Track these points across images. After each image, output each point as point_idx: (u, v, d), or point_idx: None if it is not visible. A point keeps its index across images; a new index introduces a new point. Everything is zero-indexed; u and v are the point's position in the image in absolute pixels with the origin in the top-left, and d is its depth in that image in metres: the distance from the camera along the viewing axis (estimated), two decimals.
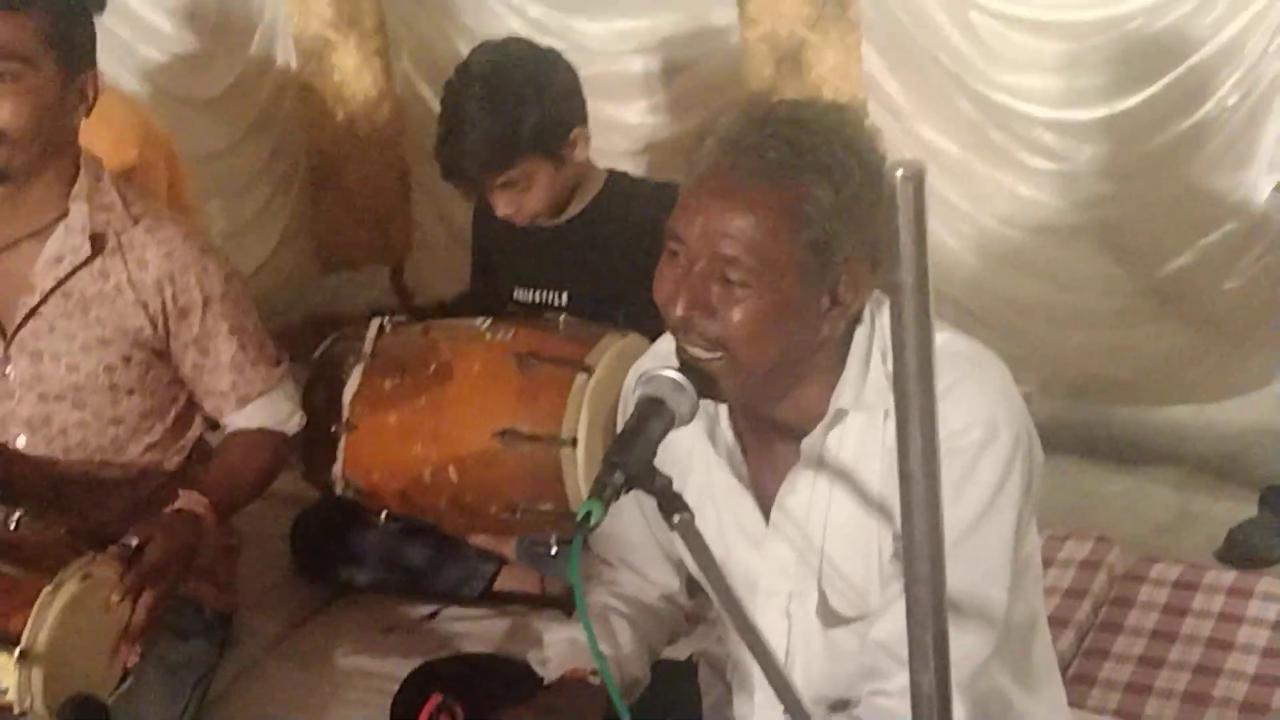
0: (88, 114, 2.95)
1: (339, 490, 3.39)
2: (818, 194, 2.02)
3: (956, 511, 2.09)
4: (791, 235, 2.05)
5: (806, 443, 2.20)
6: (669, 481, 1.95)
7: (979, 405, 2.13)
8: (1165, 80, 3.82)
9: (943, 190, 4.15)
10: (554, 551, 3.30)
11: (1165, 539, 3.77)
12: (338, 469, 3.36)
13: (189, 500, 2.83)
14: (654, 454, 1.99)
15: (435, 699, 1.91)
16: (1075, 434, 4.26)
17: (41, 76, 2.80)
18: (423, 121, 4.51)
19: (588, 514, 1.92)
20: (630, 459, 1.96)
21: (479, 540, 3.46)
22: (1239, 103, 3.78)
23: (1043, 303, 4.15)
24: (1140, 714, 3.04)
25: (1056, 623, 3.08)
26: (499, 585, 3.42)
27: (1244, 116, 3.80)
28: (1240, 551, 3.79)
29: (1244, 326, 4.05)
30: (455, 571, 3.41)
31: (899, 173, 1.42)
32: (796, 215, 2.04)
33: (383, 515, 3.39)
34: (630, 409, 2.07)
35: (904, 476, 1.48)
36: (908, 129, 4.18)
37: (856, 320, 2.17)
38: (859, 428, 2.18)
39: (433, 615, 3.39)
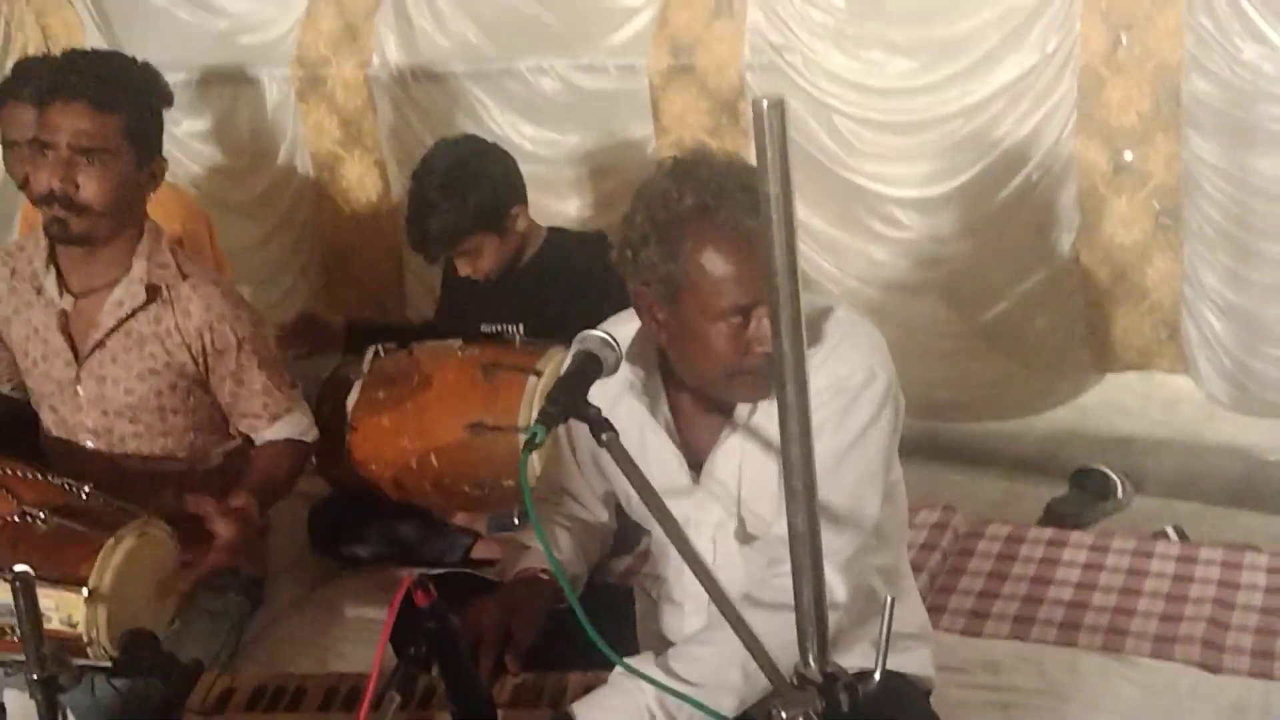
0: (154, 191, 2.96)
1: (345, 481, 3.37)
2: None
3: (840, 436, 2.12)
4: None
5: (740, 412, 2.20)
6: (599, 410, 1.93)
7: (859, 357, 2.15)
8: (983, 164, 3.83)
9: (815, 259, 4.14)
10: (517, 522, 3.29)
11: (997, 512, 3.74)
12: (344, 463, 3.34)
13: (245, 503, 2.77)
14: (587, 392, 1.97)
15: (411, 577, 1.86)
16: (922, 442, 4.20)
17: (121, 163, 2.83)
18: None
19: (534, 435, 1.91)
20: (568, 396, 1.94)
21: (458, 519, 3.43)
22: (1041, 178, 3.80)
23: (894, 343, 3.96)
24: (980, 633, 3.06)
25: (913, 568, 3.04)
26: (475, 554, 3.37)
27: (1046, 189, 3.81)
28: (1056, 518, 3.78)
29: (1053, 356, 4.06)
30: (439, 544, 3.36)
31: (765, 102, 1.41)
32: None
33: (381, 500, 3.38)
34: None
35: (776, 348, 1.46)
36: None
37: None
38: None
39: None
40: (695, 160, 2.14)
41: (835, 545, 2.05)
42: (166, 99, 2.96)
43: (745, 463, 2.23)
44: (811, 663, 1.54)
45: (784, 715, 1.51)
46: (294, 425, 3.06)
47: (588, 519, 2.52)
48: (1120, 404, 4.45)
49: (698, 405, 2.27)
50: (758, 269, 2.01)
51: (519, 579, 2.35)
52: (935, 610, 3.07)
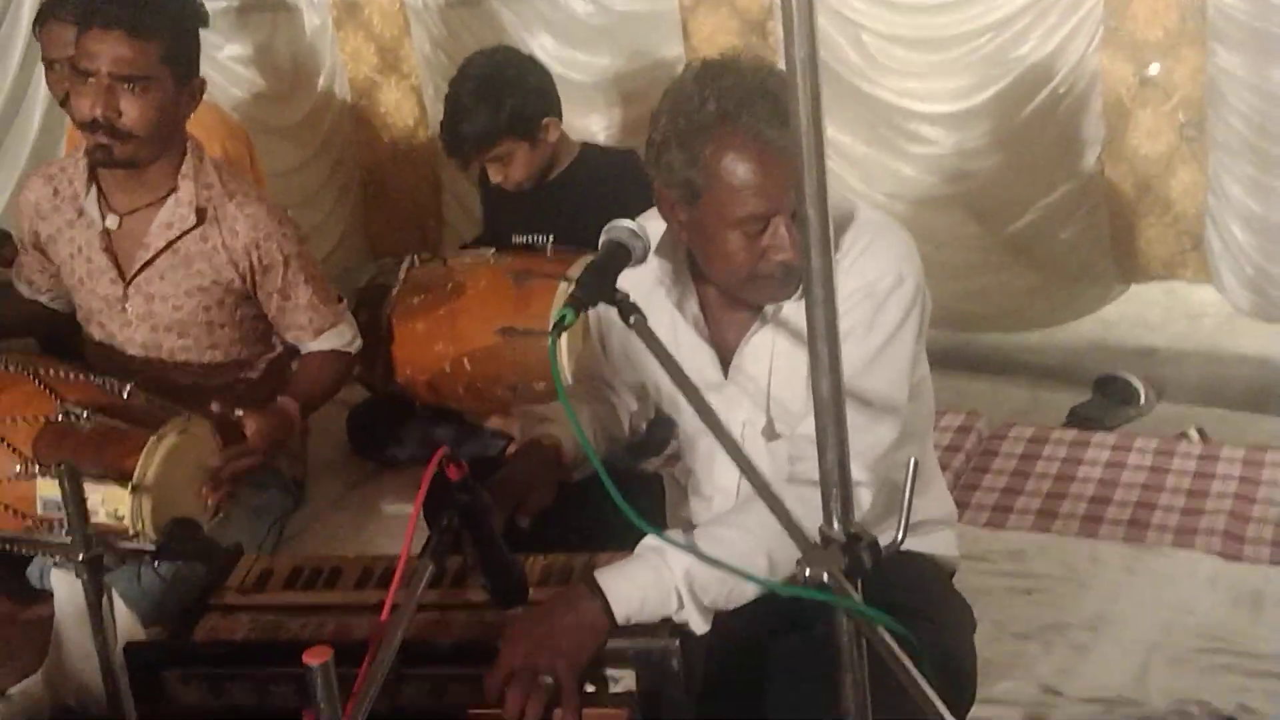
0: (193, 111, 2.91)
1: (381, 386, 3.35)
2: None
3: (870, 339, 2.08)
4: None
5: (769, 306, 2.16)
6: (626, 295, 1.89)
7: (889, 260, 2.10)
8: (1010, 79, 3.76)
9: (844, 175, 4.09)
10: None
11: (1022, 418, 3.70)
12: (381, 369, 3.33)
13: (284, 404, 2.82)
14: (615, 279, 1.93)
15: (442, 451, 1.83)
16: (950, 354, 4.19)
17: (160, 87, 2.77)
18: None
19: (563, 316, 1.86)
20: (597, 281, 1.90)
21: (492, 422, 3.39)
22: (1067, 92, 3.73)
23: (924, 256, 4.05)
24: (1004, 525, 3.05)
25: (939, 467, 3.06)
26: (508, 456, 3.35)
27: (1072, 102, 3.75)
28: (1079, 423, 3.75)
29: (1077, 268, 4.01)
30: (473, 446, 3.31)
31: None
32: None
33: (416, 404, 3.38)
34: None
35: (800, 198, 1.43)
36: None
37: None
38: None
39: None
40: (722, 66, 2.07)
41: (865, 444, 2.04)
42: (202, 19, 2.90)
43: (775, 356, 2.19)
44: (835, 523, 1.52)
45: (809, 573, 1.48)
46: (338, 337, 3.04)
47: (615, 403, 2.49)
48: (1144, 317, 4.42)
49: (725, 301, 2.23)
50: (776, 179, 1.98)
51: (522, 449, 2.33)
52: (960, 505, 2.99)
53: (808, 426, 2.07)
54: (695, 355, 2.23)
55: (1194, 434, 3.52)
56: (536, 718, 1.88)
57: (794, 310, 2.14)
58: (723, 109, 2.00)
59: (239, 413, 2.68)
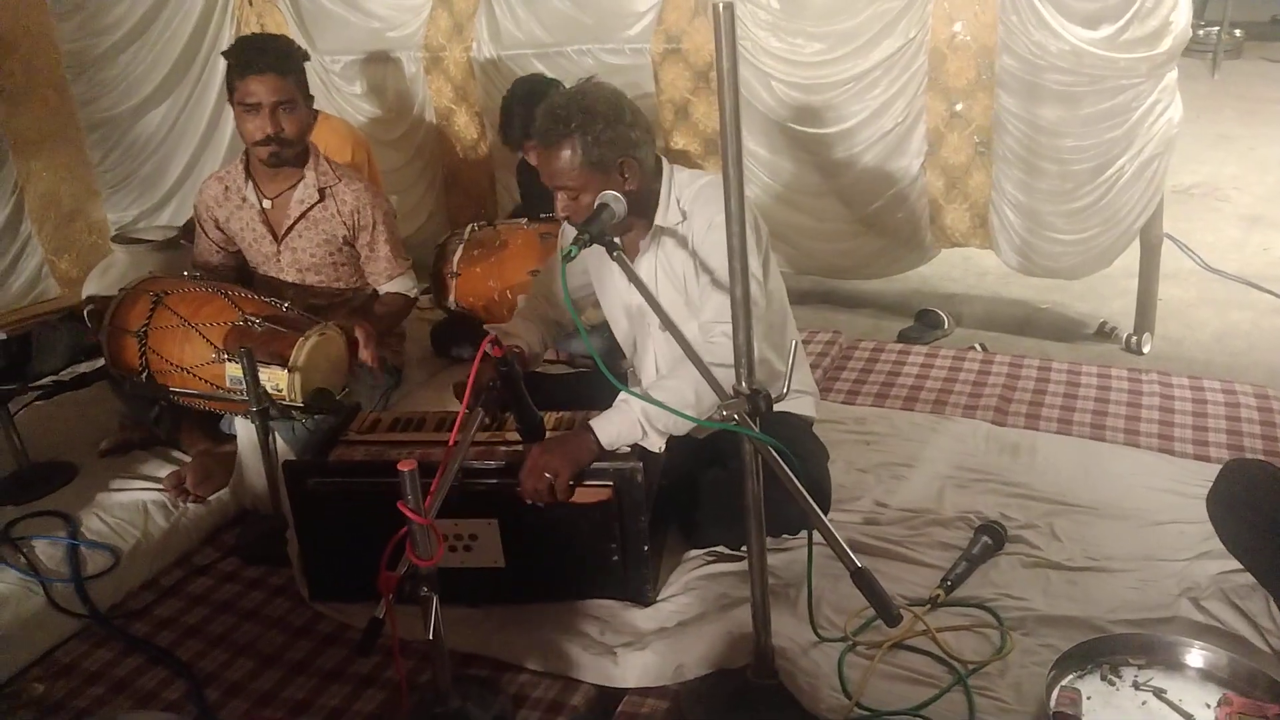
0: (315, 120, 2.86)
1: (452, 308, 3.33)
2: (587, 138, 2.03)
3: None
4: (578, 161, 2.05)
5: (642, 244, 2.22)
6: (614, 238, 1.90)
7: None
8: (866, 112, 3.71)
9: (758, 172, 4.03)
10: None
11: (867, 336, 3.68)
12: (451, 298, 3.31)
13: (361, 325, 2.75)
14: (605, 227, 1.94)
15: (491, 336, 1.83)
16: (824, 295, 4.22)
17: (299, 107, 2.73)
18: (498, 150, 4.42)
19: (569, 252, 1.87)
20: (592, 228, 1.90)
21: None
22: (903, 120, 3.68)
23: (808, 228, 4.03)
24: (855, 403, 3.04)
25: (811, 367, 3.03)
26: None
27: (906, 127, 3.70)
28: (904, 340, 3.75)
29: (906, 238, 3.96)
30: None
31: (720, 5, 1.33)
32: (577, 151, 2.04)
33: (475, 320, 3.33)
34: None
35: (725, 176, 1.42)
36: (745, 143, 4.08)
37: (659, 180, 2.15)
38: (669, 234, 2.17)
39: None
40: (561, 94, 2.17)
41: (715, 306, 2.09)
42: (307, 57, 2.84)
43: (654, 278, 2.24)
44: (742, 382, 1.53)
45: (723, 412, 1.50)
46: (403, 284, 3.00)
47: (551, 316, 2.51)
48: (949, 273, 4.44)
49: (628, 249, 2.28)
50: (548, 169, 2.10)
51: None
52: (825, 390, 3.07)
53: (708, 314, 2.09)
54: (624, 280, 2.29)
55: (979, 347, 3.53)
56: (544, 495, 1.96)
57: (658, 246, 2.21)
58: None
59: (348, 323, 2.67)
